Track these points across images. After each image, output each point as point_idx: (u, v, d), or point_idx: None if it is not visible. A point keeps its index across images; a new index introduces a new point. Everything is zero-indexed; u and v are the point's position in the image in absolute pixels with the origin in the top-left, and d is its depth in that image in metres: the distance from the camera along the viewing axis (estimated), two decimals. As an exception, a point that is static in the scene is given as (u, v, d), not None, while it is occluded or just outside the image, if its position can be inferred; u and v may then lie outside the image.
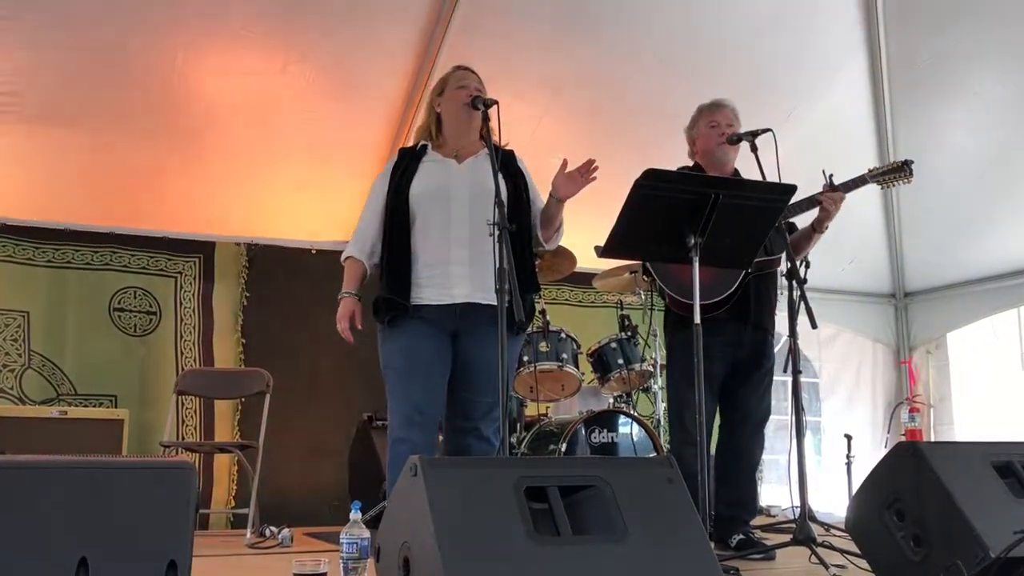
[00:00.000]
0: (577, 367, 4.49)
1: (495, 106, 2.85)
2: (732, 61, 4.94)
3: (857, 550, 2.53)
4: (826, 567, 2.70)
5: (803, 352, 6.01)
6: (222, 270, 5.13)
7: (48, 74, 4.29)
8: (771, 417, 3.57)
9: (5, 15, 4.02)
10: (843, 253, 6.03)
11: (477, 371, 2.85)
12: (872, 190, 3.57)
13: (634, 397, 4.66)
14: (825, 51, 5.27)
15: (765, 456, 5.74)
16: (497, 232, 2.58)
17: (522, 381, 4.41)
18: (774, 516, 5.01)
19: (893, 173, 3.49)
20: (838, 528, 3.52)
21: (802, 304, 3.03)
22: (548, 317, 4.48)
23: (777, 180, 2.98)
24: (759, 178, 3.12)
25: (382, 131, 5.03)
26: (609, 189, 2.86)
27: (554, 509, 1.86)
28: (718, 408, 3.45)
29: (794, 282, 3.08)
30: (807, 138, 5.03)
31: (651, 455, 4.28)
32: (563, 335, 4.47)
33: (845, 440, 4.52)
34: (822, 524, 3.68)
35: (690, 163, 3.55)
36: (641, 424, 4.41)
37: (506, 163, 2.92)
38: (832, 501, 4.96)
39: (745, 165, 3.35)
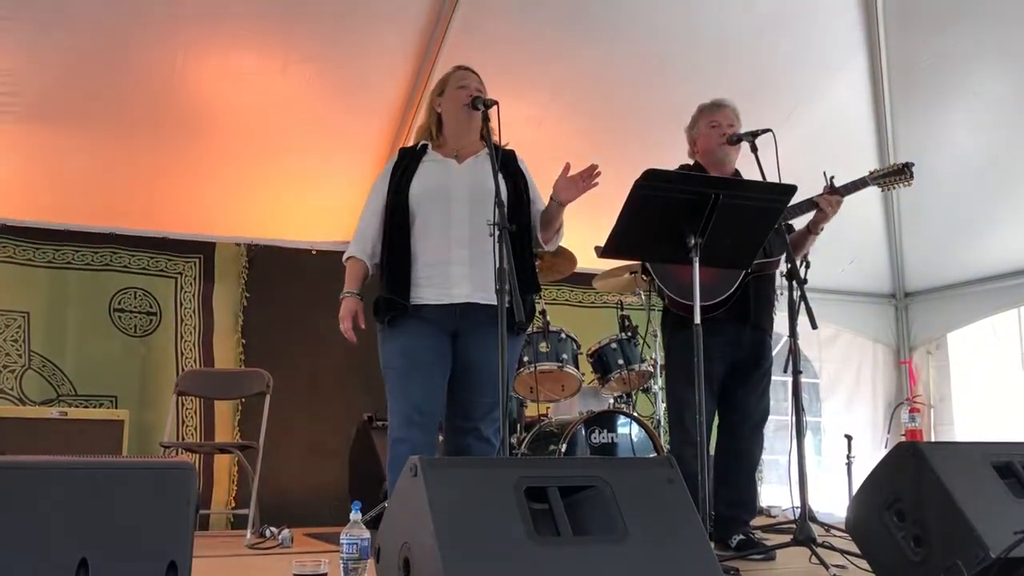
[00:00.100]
0: (577, 367, 4.49)
1: (495, 106, 2.85)
2: (732, 61, 4.94)
3: (857, 550, 2.53)
4: (826, 567, 2.70)
5: (803, 352, 6.01)
6: (222, 271, 5.13)
7: (48, 74, 4.30)
8: (771, 417, 3.58)
9: (5, 15, 4.02)
10: (843, 253, 6.03)
11: (477, 371, 2.85)
12: (873, 190, 3.57)
13: (634, 397, 4.66)
14: (825, 51, 5.27)
15: (765, 456, 5.75)
16: (497, 232, 2.58)
17: (522, 381, 4.41)
18: (774, 516, 5.01)
19: (894, 176, 3.49)
20: (838, 528, 3.52)
21: (802, 304, 3.04)
22: (548, 317, 4.48)
23: (777, 180, 2.98)
24: (759, 178, 3.12)
25: (382, 131, 5.03)
26: (609, 189, 2.86)
27: (554, 509, 1.86)
28: (717, 409, 3.46)
29: (794, 282, 3.08)
30: (807, 138, 5.03)
31: (651, 455, 4.27)
32: (563, 335, 4.47)
33: (845, 440, 4.52)
34: (822, 524, 3.68)
35: (690, 162, 3.55)
36: (641, 424, 4.41)
37: (506, 163, 2.92)
38: (832, 501, 4.96)
39: (745, 165, 3.35)
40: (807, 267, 3.18)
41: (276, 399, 4.43)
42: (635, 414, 4.47)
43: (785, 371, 3.15)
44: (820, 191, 3.36)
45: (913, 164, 3.50)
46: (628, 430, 4.39)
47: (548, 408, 4.82)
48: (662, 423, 4.54)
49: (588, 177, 2.80)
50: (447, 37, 4.57)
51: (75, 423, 4.31)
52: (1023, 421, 5.76)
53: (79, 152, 4.60)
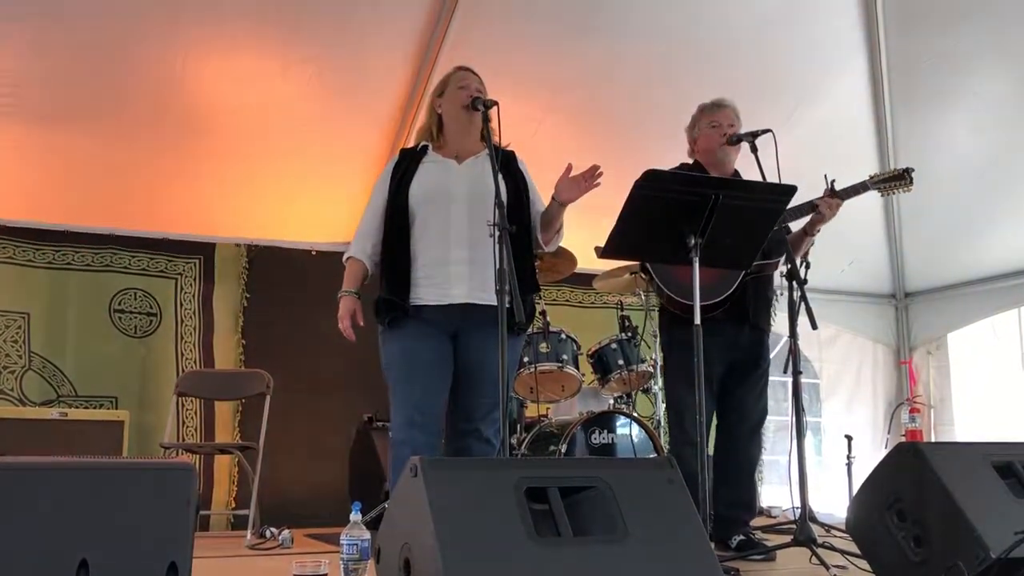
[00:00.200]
0: (577, 368, 4.49)
1: (495, 107, 2.85)
2: (733, 61, 4.93)
3: (858, 551, 2.53)
4: (827, 568, 2.70)
5: (803, 353, 6.01)
6: (222, 271, 5.13)
7: (49, 76, 4.30)
8: (772, 418, 3.58)
9: (7, 16, 4.02)
10: (843, 254, 6.02)
11: (477, 372, 2.86)
12: (873, 191, 3.57)
13: (634, 398, 4.66)
14: (825, 52, 5.27)
15: (766, 457, 5.76)
16: (497, 233, 2.58)
17: (522, 382, 4.41)
18: (774, 517, 5.01)
19: (893, 181, 3.49)
20: (839, 529, 3.52)
21: (802, 305, 3.04)
22: (548, 318, 4.48)
23: (777, 181, 2.98)
24: (759, 179, 3.12)
25: (382, 132, 5.02)
26: (609, 190, 2.86)
27: (554, 510, 1.86)
28: (715, 409, 3.46)
29: (794, 283, 3.08)
30: (807, 139, 5.03)
31: (651, 456, 4.27)
32: (563, 336, 4.47)
33: (845, 441, 4.52)
34: (823, 525, 3.68)
35: (689, 161, 3.56)
36: (641, 425, 4.41)
37: (506, 163, 2.92)
38: (833, 502, 4.96)
39: (745, 166, 3.35)
40: (807, 267, 3.18)
41: (276, 400, 4.43)
42: (635, 414, 4.47)
43: (785, 371, 3.15)
44: (820, 192, 3.36)
45: (913, 170, 3.50)
46: (628, 431, 4.39)
47: (548, 409, 4.82)
48: (662, 423, 4.54)
49: (590, 177, 2.80)
50: (447, 37, 4.57)
51: (75, 424, 4.31)
52: (1023, 421, 5.76)
53: (79, 153, 4.60)
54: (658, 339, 4.37)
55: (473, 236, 2.83)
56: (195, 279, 5.08)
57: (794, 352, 3.08)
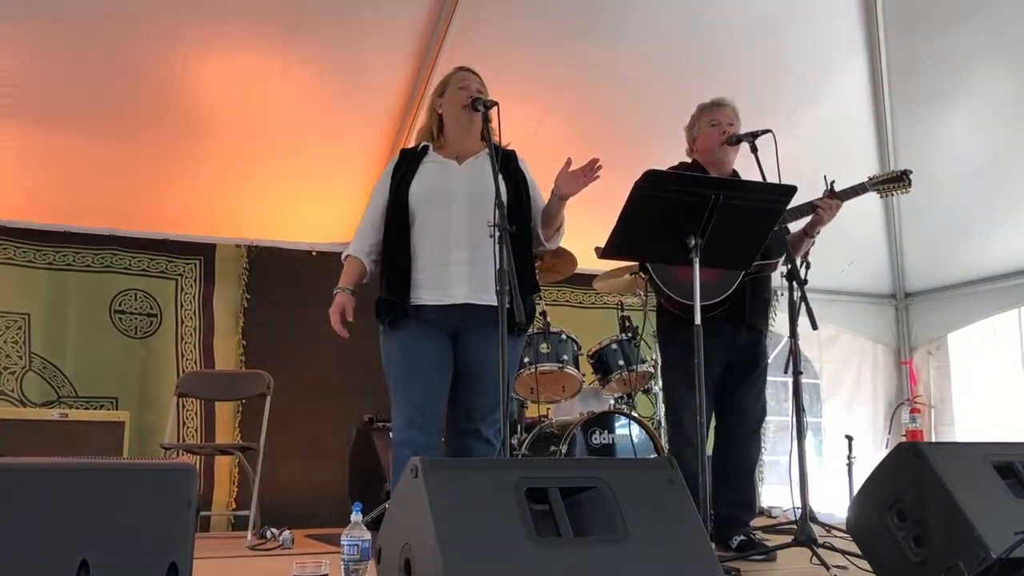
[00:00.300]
0: (578, 368, 4.49)
1: (496, 107, 2.85)
2: (733, 61, 4.94)
3: (858, 551, 2.53)
4: (827, 568, 2.70)
5: (804, 353, 6.01)
6: (222, 272, 5.13)
7: (49, 77, 4.30)
8: (772, 418, 3.59)
9: (7, 17, 4.02)
10: (843, 254, 6.02)
11: (477, 372, 2.86)
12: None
13: (634, 398, 4.66)
14: (825, 52, 5.27)
15: (766, 457, 5.76)
16: (497, 233, 2.58)
17: (523, 382, 4.41)
18: (775, 517, 5.01)
19: (892, 182, 3.50)
20: (839, 529, 3.52)
21: (803, 305, 3.04)
22: (549, 318, 4.48)
23: (777, 181, 2.98)
24: (759, 179, 3.12)
25: (383, 132, 5.03)
26: (610, 190, 2.86)
27: (555, 510, 1.86)
28: (714, 410, 3.46)
29: (794, 283, 3.08)
30: (807, 139, 5.03)
31: (652, 456, 4.27)
32: (563, 336, 4.47)
33: (846, 441, 4.52)
34: (823, 525, 3.68)
35: (688, 160, 3.56)
36: (642, 425, 4.41)
37: (507, 163, 2.92)
38: (833, 502, 4.96)
39: (745, 166, 3.35)
40: (807, 268, 3.18)
41: (276, 400, 4.43)
42: (635, 415, 4.47)
43: (785, 372, 3.15)
44: (820, 193, 3.37)
45: (911, 171, 3.51)
46: (628, 431, 4.39)
47: (548, 409, 4.81)
48: (662, 424, 4.53)
49: (589, 171, 2.80)
50: (447, 37, 4.57)
51: (76, 425, 4.31)
52: (1023, 421, 5.76)
53: (80, 153, 4.60)
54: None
55: (473, 236, 2.83)
56: (195, 280, 5.08)
57: (794, 352, 3.08)
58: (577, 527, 1.85)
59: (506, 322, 2.53)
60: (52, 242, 4.78)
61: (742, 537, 3.31)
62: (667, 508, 1.96)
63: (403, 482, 1.89)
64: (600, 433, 4.32)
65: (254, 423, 4.56)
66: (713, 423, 3.49)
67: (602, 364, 4.63)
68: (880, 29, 5.19)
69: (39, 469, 1.68)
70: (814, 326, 2.99)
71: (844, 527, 2.85)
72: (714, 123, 3.45)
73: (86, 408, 4.65)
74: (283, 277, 5.14)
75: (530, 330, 3.97)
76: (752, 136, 3.28)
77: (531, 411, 4.77)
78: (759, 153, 3.21)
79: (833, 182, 3.37)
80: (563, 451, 4.11)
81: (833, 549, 2.88)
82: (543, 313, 4.41)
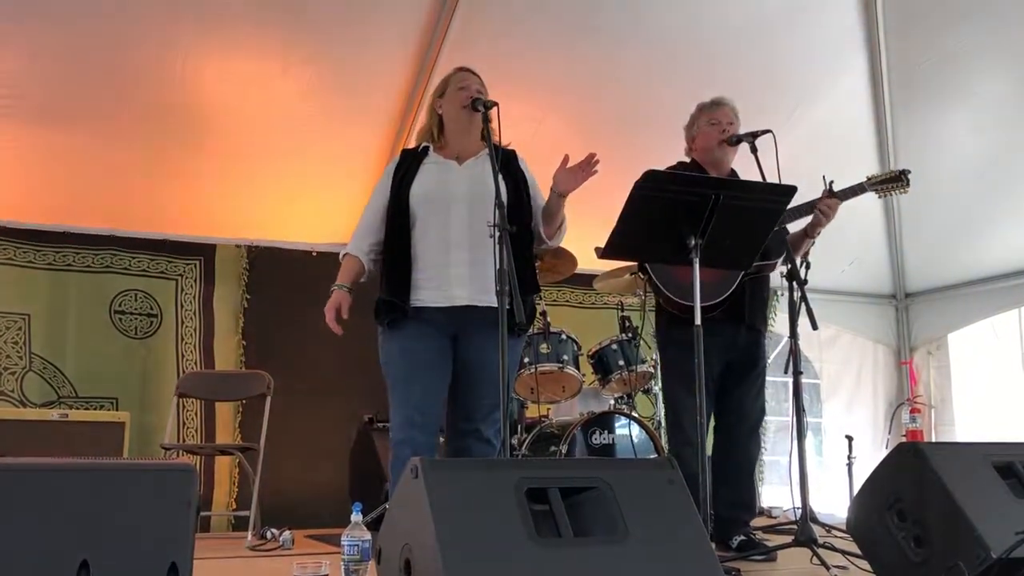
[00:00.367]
0: (578, 368, 4.49)
1: (496, 107, 2.85)
2: (733, 62, 4.94)
3: (858, 551, 2.53)
4: (827, 568, 2.70)
5: (804, 353, 6.01)
6: (222, 272, 5.13)
7: (49, 77, 4.30)
8: (772, 418, 3.59)
9: (7, 18, 4.02)
10: (844, 254, 6.03)
11: (478, 373, 2.86)
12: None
13: (635, 398, 4.66)
14: (825, 52, 5.27)
15: (766, 457, 5.76)
16: (497, 234, 2.58)
17: (523, 383, 4.41)
18: (775, 517, 5.01)
19: (890, 182, 3.50)
20: (839, 529, 3.52)
21: (803, 305, 3.04)
22: (549, 318, 4.48)
23: (777, 181, 2.98)
24: (759, 179, 3.12)
25: (383, 133, 5.03)
26: (610, 190, 2.87)
27: (555, 510, 1.86)
28: (713, 410, 3.46)
29: (795, 283, 3.08)
30: (807, 139, 5.03)
31: (652, 456, 4.27)
32: (564, 336, 4.47)
33: (846, 441, 4.52)
34: (823, 525, 3.68)
35: (686, 160, 3.56)
36: (642, 425, 4.41)
37: (507, 163, 2.92)
38: (833, 502, 4.96)
39: (745, 166, 3.35)
40: (807, 268, 3.18)
41: (277, 401, 4.44)
42: (635, 415, 4.47)
43: (786, 372, 3.15)
44: (820, 193, 3.37)
45: (909, 171, 3.51)
46: (628, 431, 4.39)
47: (549, 409, 4.82)
48: (662, 424, 4.54)
49: (587, 166, 2.80)
50: (447, 38, 4.57)
51: (76, 425, 4.31)
52: (1023, 421, 5.76)
53: (80, 154, 4.60)
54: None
55: (473, 238, 2.83)
56: (195, 280, 5.08)
57: (794, 352, 3.08)
58: (577, 527, 1.85)
59: (506, 323, 2.52)
60: (52, 242, 4.78)
61: (742, 537, 3.31)
62: (667, 508, 1.96)
63: (403, 482, 1.89)
64: (600, 433, 4.32)
65: (254, 423, 4.56)
66: (712, 423, 3.49)
67: (602, 364, 4.63)
68: (880, 29, 5.19)
69: (39, 469, 1.68)
70: (814, 326, 2.99)
71: (844, 527, 2.85)
72: (713, 122, 3.45)
73: (86, 408, 4.65)
74: (283, 277, 5.14)
75: (530, 330, 3.97)
76: (752, 136, 3.28)
77: (531, 411, 4.77)
78: (759, 153, 3.21)
79: (832, 182, 3.37)
80: (563, 451, 4.11)
81: (833, 549, 2.88)
82: (543, 313, 4.41)
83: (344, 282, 2.95)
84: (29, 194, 4.70)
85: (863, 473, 2.60)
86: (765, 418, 3.64)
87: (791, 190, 2.88)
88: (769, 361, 3.61)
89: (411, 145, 3.17)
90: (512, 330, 2.64)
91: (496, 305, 2.55)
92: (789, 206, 2.99)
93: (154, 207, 4.93)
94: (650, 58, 4.95)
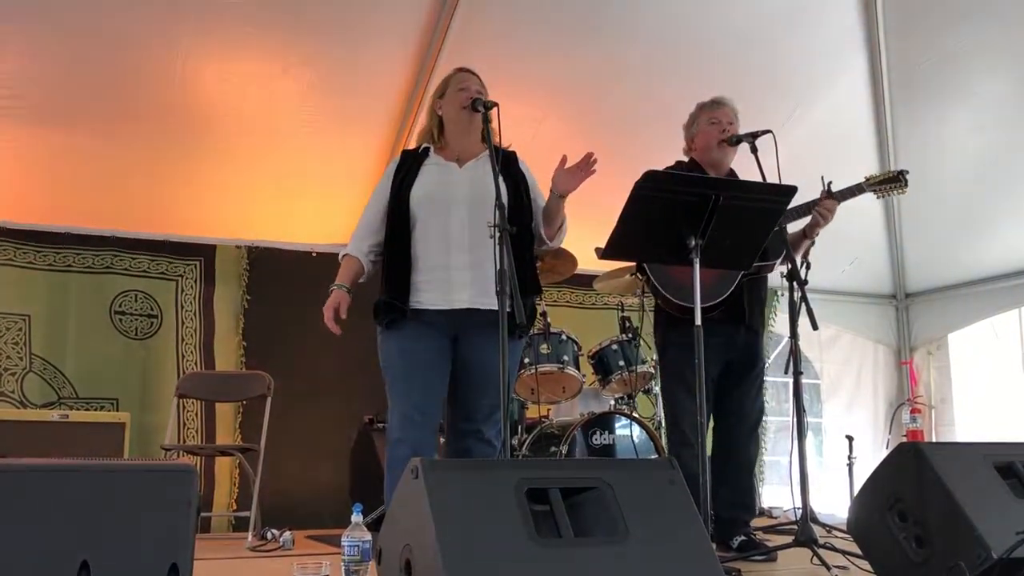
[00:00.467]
0: (578, 369, 4.49)
1: (496, 108, 2.85)
2: (733, 62, 4.93)
3: (859, 551, 2.53)
4: (828, 568, 2.70)
5: (804, 353, 6.01)
6: (223, 273, 5.13)
7: (50, 78, 4.30)
8: (773, 418, 3.59)
9: (6, 19, 4.02)
10: (844, 254, 6.03)
11: (478, 373, 2.86)
12: (873, 191, 3.58)
13: (635, 399, 4.66)
14: (825, 52, 5.27)
15: (766, 457, 5.76)
16: (498, 234, 2.57)
17: (523, 383, 4.41)
18: (776, 517, 5.01)
19: (889, 183, 3.50)
20: (840, 529, 3.52)
21: (803, 305, 3.04)
22: (549, 319, 4.48)
23: (777, 181, 2.97)
24: (759, 179, 3.12)
25: (383, 133, 5.03)
26: (610, 191, 2.86)
27: (555, 511, 1.86)
28: (712, 411, 3.46)
29: (795, 283, 3.08)
30: (807, 139, 5.03)
31: (652, 457, 4.27)
32: (564, 337, 4.47)
33: (846, 441, 4.52)
34: (824, 525, 3.68)
35: (685, 159, 3.56)
36: (642, 426, 4.40)
37: (507, 165, 2.92)
38: (834, 502, 4.96)
39: (745, 166, 3.35)
40: (808, 268, 3.18)
41: (277, 401, 4.44)
42: (636, 415, 4.46)
43: (786, 372, 3.15)
44: (819, 193, 3.36)
45: (907, 172, 3.51)
46: (629, 431, 4.39)
47: (549, 410, 4.81)
48: (663, 424, 4.54)
49: (585, 166, 2.79)
50: (447, 38, 4.57)
51: (76, 426, 4.31)
52: (1023, 421, 5.77)
53: (80, 155, 4.60)
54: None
55: (474, 240, 2.82)
56: (196, 281, 5.08)
57: (795, 353, 3.08)
58: (578, 528, 1.85)
59: (506, 324, 2.52)
60: (52, 243, 4.78)
61: (743, 537, 3.31)
62: (668, 508, 1.96)
63: (404, 483, 1.89)
64: (600, 434, 4.32)
65: (255, 424, 4.56)
66: (711, 424, 3.49)
67: (602, 365, 4.63)
68: (880, 29, 5.19)
69: (40, 470, 1.68)
70: (814, 326, 2.99)
71: (845, 527, 2.85)
72: (714, 121, 3.45)
73: (86, 409, 4.65)
74: (283, 278, 5.13)
75: (531, 331, 3.97)
76: (752, 136, 3.28)
77: (531, 412, 4.77)
78: (759, 153, 3.21)
79: (830, 183, 3.37)
80: (563, 452, 4.11)
81: (834, 549, 2.88)
82: (543, 314, 4.41)
83: (343, 282, 2.95)
84: (29, 194, 4.70)
85: (863, 473, 2.61)
86: (765, 418, 3.64)
87: (791, 190, 2.87)
88: (769, 361, 3.62)
89: (411, 146, 3.16)
90: (512, 332, 2.64)
91: (497, 308, 2.55)
92: (788, 207, 2.99)
93: (154, 207, 4.93)
94: (650, 58, 4.95)
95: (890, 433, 6.12)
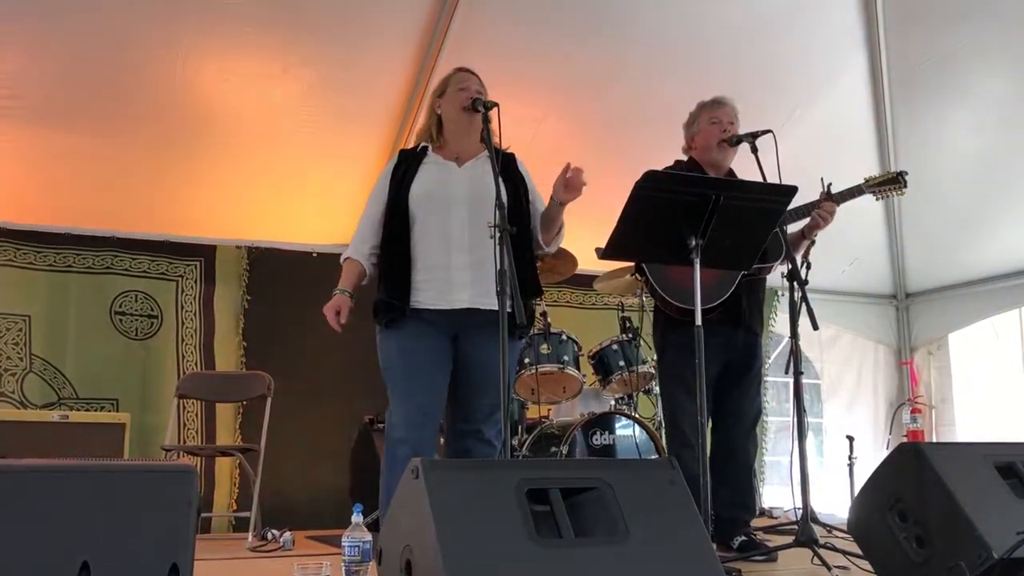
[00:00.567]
0: (578, 369, 4.49)
1: (495, 108, 2.85)
2: (733, 62, 4.94)
3: (859, 551, 2.53)
4: (828, 568, 2.70)
5: (804, 353, 6.01)
6: (223, 273, 5.12)
7: (49, 77, 4.30)
8: (773, 419, 3.59)
9: (7, 18, 4.02)
10: (844, 254, 6.03)
11: (478, 373, 2.85)
12: (873, 191, 3.57)
13: (635, 399, 4.66)
14: (825, 52, 5.27)
15: (767, 457, 5.76)
16: (498, 234, 2.57)
17: (523, 383, 4.41)
18: (776, 518, 5.01)
19: (888, 184, 3.50)
20: (840, 529, 3.52)
21: (803, 305, 3.04)
22: (549, 319, 4.48)
23: (777, 181, 2.97)
24: (759, 179, 3.12)
25: (383, 133, 5.03)
26: (610, 191, 2.86)
27: (556, 511, 1.86)
28: (710, 411, 3.45)
29: (795, 283, 3.08)
30: (807, 139, 5.03)
31: (653, 457, 4.27)
32: (564, 337, 4.47)
33: (847, 441, 4.52)
34: (824, 525, 3.68)
35: (684, 158, 3.55)
36: (642, 426, 4.40)
37: (506, 166, 2.91)
38: (834, 502, 4.96)
39: (745, 166, 3.35)
40: (808, 268, 3.18)
41: (277, 402, 4.43)
42: (636, 415, 4.46)
43: (786, 372, 3.15)
44: (819, 194, 3.36)
45: (906, 173, 3.51)
46: (629, 431, 4.39)
47: (549, 410, 4.81)
48: (663, 424, 4.54)
49: (577, 181, 2.80)
50: (447, 38, 4.57)
51: (76, 426, 4.31)
52: (1024, 421, 5.77)
53: (80, 155, 4.60)
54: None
55: (473, 240, 2.82)
56: (196, 281, 5.08)
57: (795, 353, 3.08)
58: (578, 528, 1.85)
59: (506, 324, 2.52)
60: (52, 244, 4.78)
61: (743, 538, 3.31)
62: (668, 509, 1.95)
63: (404, 483, 1.89)
64: (601, 434, 4.32)
65: (255, 424, 4.56)
66: (710, 425, 3.49)
67: (603, 365, 4.63)
68: (880, 28, 5.19)
69: (40, 471, 1.68)
70: (815, 326, 2.99)
71: (845, 527, 2.85)
72: (714, 121, 3.45)
73: (87, 410, 4.65)
74: (283, 278, 5.13)
75: (531, 331, 3.97)
76: (752, 136, 3.27)
77: (532, 412, 4.77)
78: (759, 153, 3.21)
79: (830, 184, 3.37)
80: (564, 452, 4.11)
81: (834, 549, 2.88)
82: (543, 314, 4.41)
83: (346, 287, 2.94)
84: (29, 195, 4.70)
85: (864, 473, 2.61)
86: (765, 418, 3.65)
87: (792, 190, 2.87)
88: (770, 361, 3.62)
89: (411, 145, 3.16)
90: (513, 332, 2.64)
91: (497, 308, 2.55)
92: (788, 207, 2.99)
93: (154, 208, 4.93)
94: (650, 58, 4.95)
95: (890, 433, 6.12)
